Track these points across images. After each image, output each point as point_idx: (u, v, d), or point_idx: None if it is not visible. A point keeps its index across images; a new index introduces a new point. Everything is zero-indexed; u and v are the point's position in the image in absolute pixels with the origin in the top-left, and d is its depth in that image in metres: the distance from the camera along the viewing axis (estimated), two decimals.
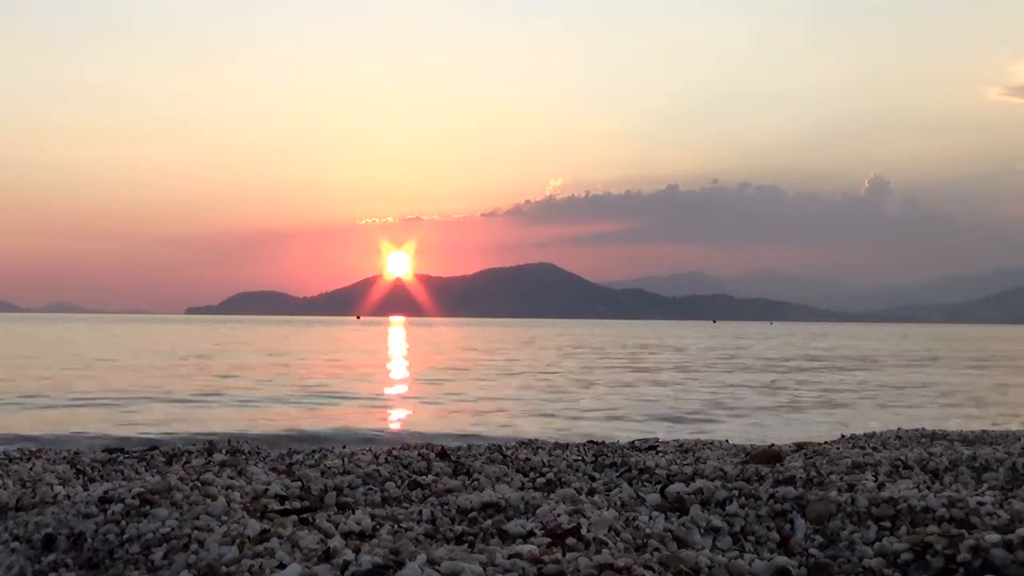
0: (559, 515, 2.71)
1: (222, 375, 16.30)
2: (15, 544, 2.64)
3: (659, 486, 3.36)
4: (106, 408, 10.38)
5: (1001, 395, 14.12)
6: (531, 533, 2.58)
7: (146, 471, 3.97)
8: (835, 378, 17.74)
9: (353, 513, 2.98)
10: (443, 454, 4.31)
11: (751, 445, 5.17)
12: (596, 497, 3.19)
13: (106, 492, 2.80)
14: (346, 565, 2.17)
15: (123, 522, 2.62)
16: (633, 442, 5.01)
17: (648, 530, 2.61)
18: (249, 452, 4.49)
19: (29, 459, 4.13)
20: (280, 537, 2.47)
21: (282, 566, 2.23)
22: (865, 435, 5.74)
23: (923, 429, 5.88)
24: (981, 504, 2.81)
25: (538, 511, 2.84)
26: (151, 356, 23.25)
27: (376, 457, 4.05)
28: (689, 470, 3.76)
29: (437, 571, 2.12)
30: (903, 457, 4.13)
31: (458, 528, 2.78)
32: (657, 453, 4.57)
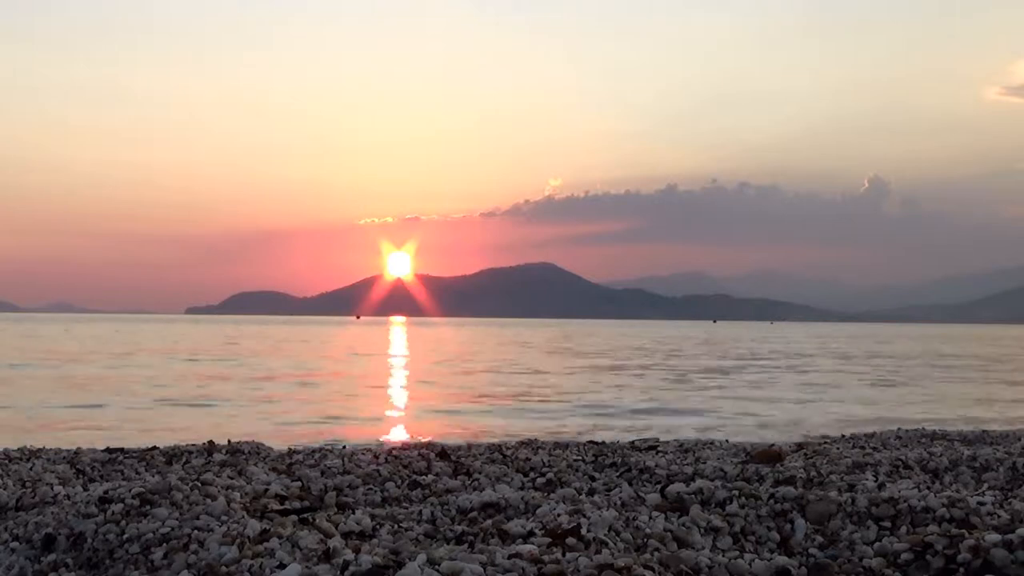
0: (559, 515, 2.71)
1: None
2: (15, 544, 2.64)
3: (659, 486, 3.36)
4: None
5: None
6: (531, 533, 2.57)
7: (146, 471, 3.97)
8: None
9: (353, 513, 2.98)
10: (443, 454, 4.31)
11: (751, 445, 5.17)
12: (596, 497, 3.19)
13: (106, 492, 2.81)
14: (346, 565, 2.17)
15: (123, 522, 2.62)
16: (633, 442, 5.01)
17: (648, 530, 2.61)
18: (249, 452, 4.49)
19: (29, 459, 4.13)
20: (280, 537, 2.47)
21: (282, 566, 2.23)
22: (865, 435, 5.74)
23: (923, 429, 5.88)
24: (981, 504, 2.81)
25: (538, 511, 2.84)
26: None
27: (376, 457, 4.05)
28: (689, 470, 3.76)
29: (437, 571, 2.11)
30: (903, 457, 4.13)
31: (458, 528, 2.78)
32: (657, 453, 4.57)
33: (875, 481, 3.36)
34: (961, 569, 2.31)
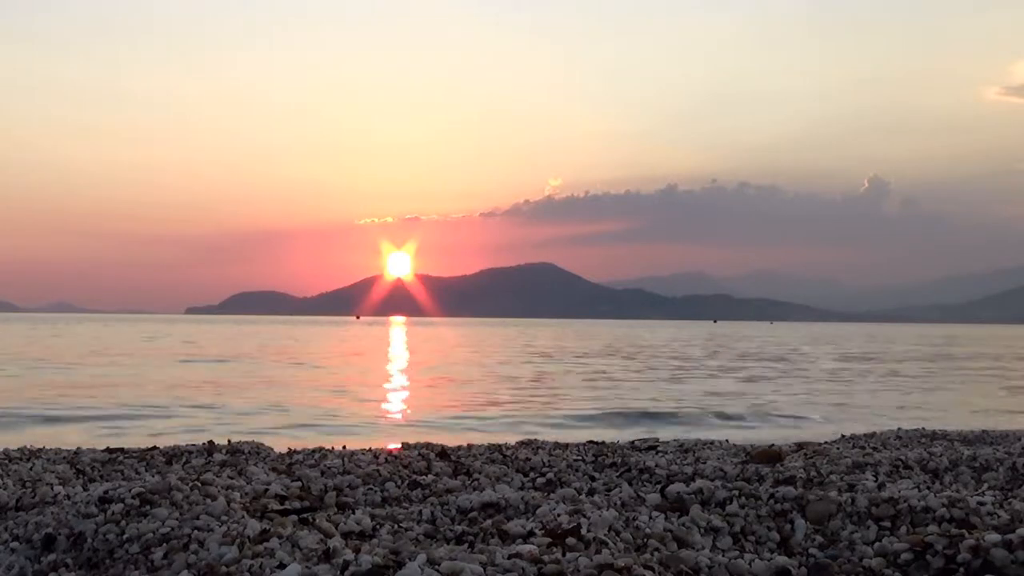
0: (559, 515, 2.71)
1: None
2: (15, 544, 2.64)
3: (659, 486, 3.36)
4: None
5: None
6: (531, 533, 2.57)
7: (146, 471, 3.97)
8: None
9: (353, 513, 2.98)
10: (443, 454, 4.30)
11: (751, 445, 5.17)
12: (596, 497, 3.19)
13: (106, 492, 2.80)
14: (346, 565, 2.17)
15: (123, 522, 2.62)
16: (633, 442, 5.01)
17: (648, 530, 2.61)
18: (249, 452, 4.48)
19: (29, 459, 4.13)
20: (280, 537, 2.47)
21: (282, 566, 2.23)
22: (865, 435, 5.74)
23: (923, 429, 5.88)
24: (981, 504, 2.81)
25: (538, 511, 2.84)
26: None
27: (376, 457, 4.05)
28: (689, 470, 3.76)
29: (437, 571, 2.11)
30: (903, 457, 4.13)
31: (458, 528, 2.78)
32: (657, 453, 4.57)
33: (875, 481, 3.36)
34: (961, 569, 2.31)
